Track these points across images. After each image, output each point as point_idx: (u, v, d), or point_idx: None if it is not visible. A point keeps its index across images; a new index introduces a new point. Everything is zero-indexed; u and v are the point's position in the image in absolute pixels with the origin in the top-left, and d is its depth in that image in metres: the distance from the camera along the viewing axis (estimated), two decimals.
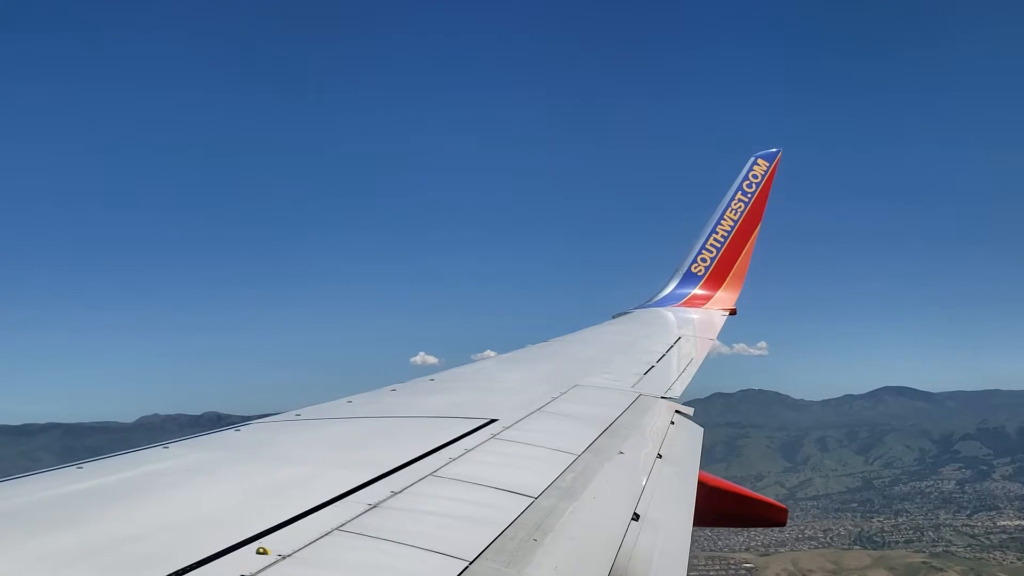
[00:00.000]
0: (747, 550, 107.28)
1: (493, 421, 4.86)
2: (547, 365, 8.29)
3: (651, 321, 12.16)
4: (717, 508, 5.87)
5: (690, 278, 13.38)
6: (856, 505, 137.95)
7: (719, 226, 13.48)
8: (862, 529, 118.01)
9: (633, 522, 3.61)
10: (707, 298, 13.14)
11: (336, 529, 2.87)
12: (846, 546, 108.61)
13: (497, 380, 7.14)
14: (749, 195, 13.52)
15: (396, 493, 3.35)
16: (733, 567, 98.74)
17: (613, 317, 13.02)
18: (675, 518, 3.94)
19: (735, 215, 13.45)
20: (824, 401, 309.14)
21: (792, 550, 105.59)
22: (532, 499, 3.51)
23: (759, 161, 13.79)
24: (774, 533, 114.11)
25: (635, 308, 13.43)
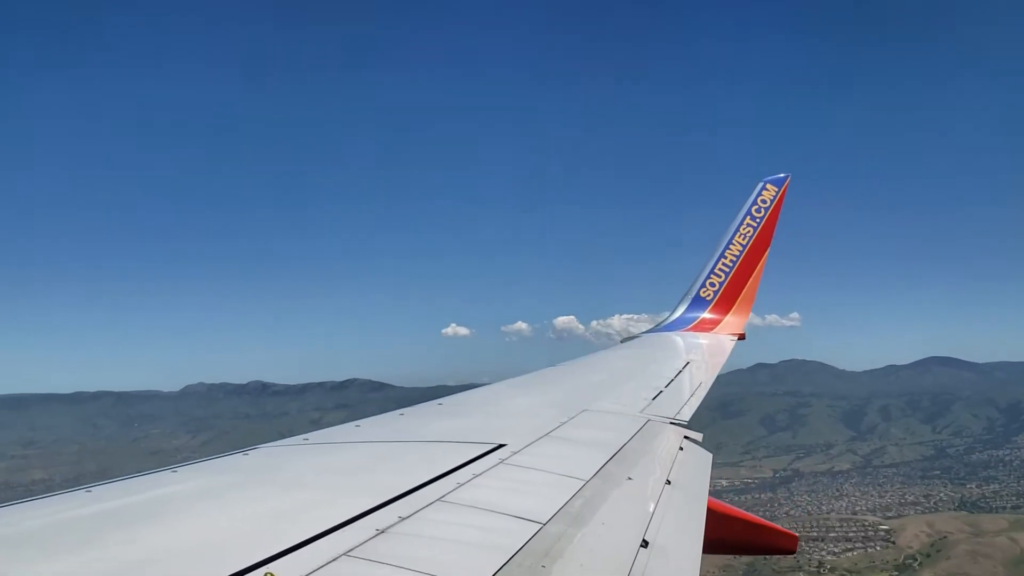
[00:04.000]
0: (854, 514, 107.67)
1: (501, 446, 4.85)
2: (555, 390, 8.26)
3: (659, 346, 12.12)
4: (726, 535, 5.80)
5: (699, 302, 13.35)
6: (939, 472, 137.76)
7: (728, 251, 13.46)
8: (962, 495, 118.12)
9: (642, 549, 3.57)
10: (716, 322, 13.10)
11: (344, 554, 2.87)
12: (952, 510, 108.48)
13: (505, 405, 7.12)
14: (758, 220, 13.52)
15: (404, 518, 3.35)
16: (870, 528, 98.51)
17: (621, 342, 12.99)
18: (685, 545, 3.90)
19: (744, 240, 13.44)
20: (870, 371, 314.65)
21: (899, 515, 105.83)
22: (541, 525, 3.50)
23: (768, 186, 13.80)
24: (877, 498, 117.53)
25: (643, 333, 13.40)
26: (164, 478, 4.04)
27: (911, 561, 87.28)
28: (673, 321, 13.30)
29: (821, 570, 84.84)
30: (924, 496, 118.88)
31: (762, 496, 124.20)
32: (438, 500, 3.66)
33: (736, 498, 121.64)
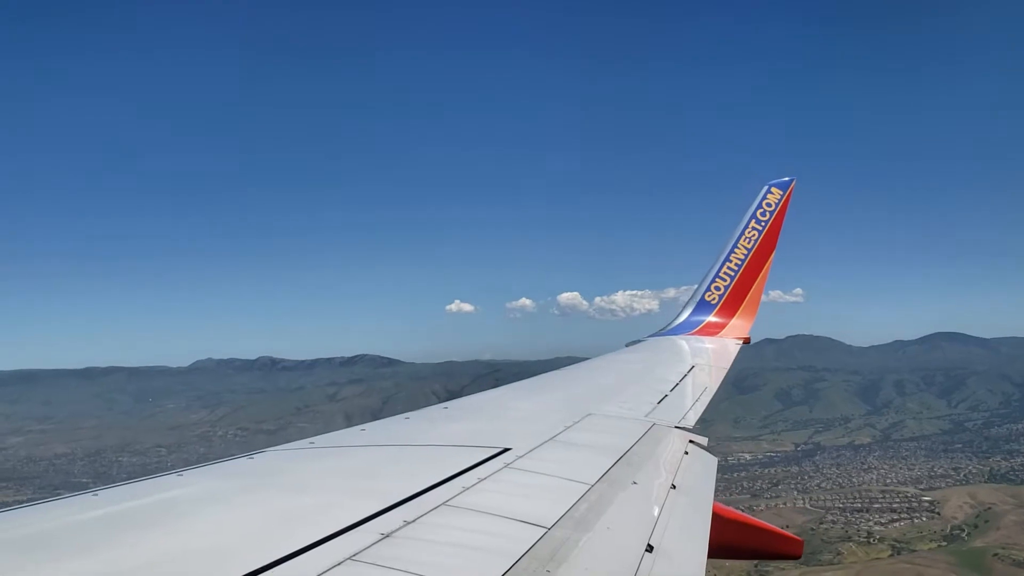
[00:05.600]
0: (886, 486, 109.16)
1: (506, 450, 4.85)
2: (560, 394, 8.26)
3: (664, 350, 12.11)
4: (731, 539, 5.78)
5: (704, 306, 13.33)
6: (961, 446, 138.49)
7: (733, 254, 13.44)
8: (990, 468, 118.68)
9: (647, 554, 3.57)
10: (721, 326, 13.08)
11: (349, 559, 2.87)
12: (984, 482, 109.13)
13: (510, 409, 7.12)
14: (763, 224, 13.49)
15: (409, 523, 3.35)
16: (912, 500, 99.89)
17: (626, 345, 12.97)
18: (689, 549, 3.89)
19: (749, 243, 13.41)
20: (877, 346, 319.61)
21: (930, 488, 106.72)
22: (545, 530, 3.50)
23: (772, 190, 13.77)
24: (906, 471, 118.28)
25: (648, 336, 13.39)
26: (170, 481, 4.05)
27: (958, 532, 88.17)
28: (678, 325, 13.28)
29: (871, 540, 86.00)
30: (953, 469, 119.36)
31: (791, 469, 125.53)
32: (443, 504, 3.67)
33: (762, 471, 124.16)
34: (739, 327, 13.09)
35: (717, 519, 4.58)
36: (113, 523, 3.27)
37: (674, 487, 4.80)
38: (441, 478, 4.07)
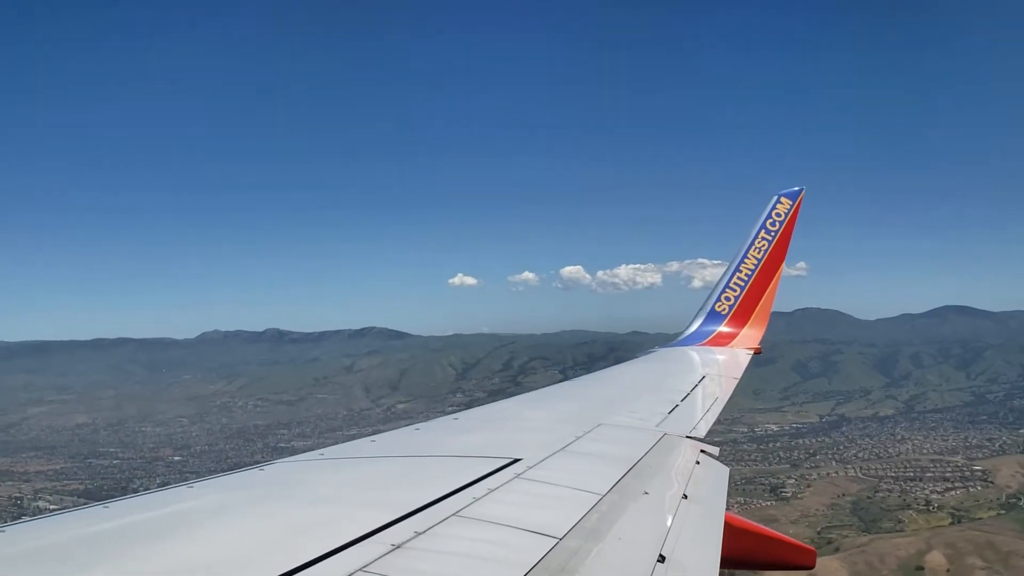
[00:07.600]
0: (923, 455, 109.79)
1: (517, 460, 4.84)
2: (571, 404, 8.25)
3: (675, 360, 12.09)
4: (743, 549, 5.74)
5: (714, 316, 13.32)
6: (986, 418, 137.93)
7: (743, 264, 13.44)
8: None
9: (659, 564, 3.55)
10: (732, 336, 13.05)
11: (360, 570, 2.87)
12: (1020, 453, 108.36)
13: (521, 419, 7.12)
14: (772, 233, 13.49)
15: (420, 533, 3.34)
16: (964, 469, 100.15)
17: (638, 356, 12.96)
18: (702, 560, 3.87)
19: (759, 254, 13.41)
20: (885, 319, 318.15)
21: (968, 459, 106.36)
22: (557, 540, 3.48)
23: (782, 199, 13.77)
24: (940, 441, 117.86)
25: (659, 347, 13.36)
26: (180, 493, 4.06)
27: (1015, 500, 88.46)
28: (689, 335, 13.26)
29: (930, 508, 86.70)
30: (987, 440, 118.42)
31: (823, 439, 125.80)
32: (454, 515, 3.66)
33: (793, 441, 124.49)
34: (750, 337, 13.07)
35: (729, 529, 4.55)
36: (125, 535, 3.28)
37: (686, 497, 4.78)
38: (451, 489, 4.06)
